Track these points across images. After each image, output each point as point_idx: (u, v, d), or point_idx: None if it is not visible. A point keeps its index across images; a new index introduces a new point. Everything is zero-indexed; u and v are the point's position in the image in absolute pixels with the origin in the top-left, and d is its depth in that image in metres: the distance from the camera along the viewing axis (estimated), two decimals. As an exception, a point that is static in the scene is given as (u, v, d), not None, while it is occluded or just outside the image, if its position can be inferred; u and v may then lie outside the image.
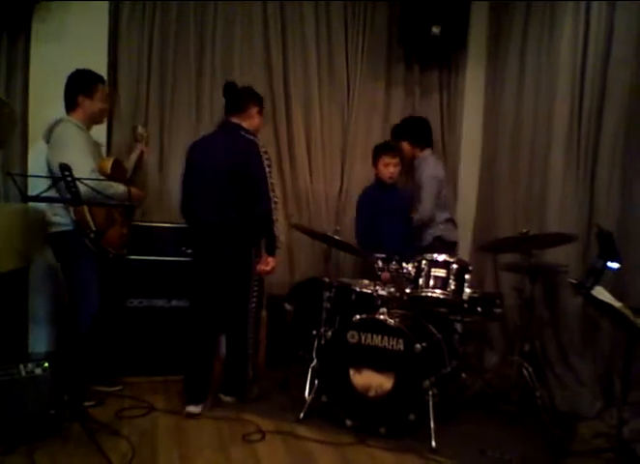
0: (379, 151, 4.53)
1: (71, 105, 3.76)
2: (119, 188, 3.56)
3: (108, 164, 3.72)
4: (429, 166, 4.75)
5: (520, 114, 4.78)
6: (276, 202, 3.73)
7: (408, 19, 4.94)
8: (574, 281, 3.26)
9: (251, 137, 3.77)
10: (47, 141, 3.67)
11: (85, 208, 3.44)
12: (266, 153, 3.73)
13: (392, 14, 5.20)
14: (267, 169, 3.70)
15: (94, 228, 3.49)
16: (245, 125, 3.85)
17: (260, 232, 3.76)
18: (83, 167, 3.33)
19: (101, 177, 3.54)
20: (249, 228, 3.72)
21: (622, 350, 3.70)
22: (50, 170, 3.56)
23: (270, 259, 3.76)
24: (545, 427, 3.52)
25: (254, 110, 3.93)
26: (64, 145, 3.55)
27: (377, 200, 4.54)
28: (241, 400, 3.91)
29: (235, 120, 3.86)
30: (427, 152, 4.86)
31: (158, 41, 4.66)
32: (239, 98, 3.91)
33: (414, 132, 4.88)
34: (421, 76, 5.36)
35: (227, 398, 3.92)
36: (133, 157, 4.17)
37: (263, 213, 3.68)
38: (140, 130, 4.27)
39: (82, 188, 2.97)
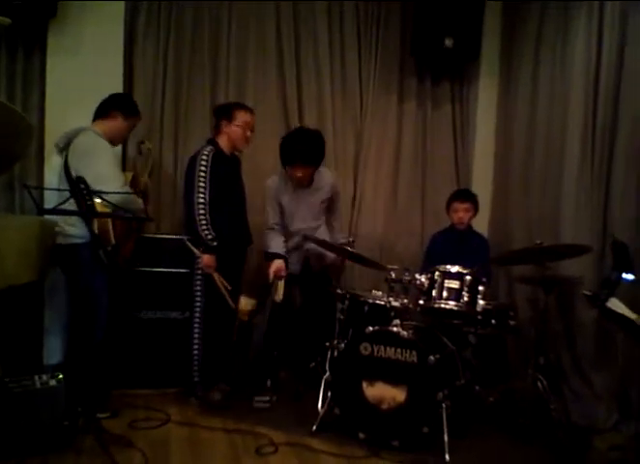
0: (450, 198, 4.65)
1: (103, 115, 3.79)
2: (139, 202, 3.66)
3: (129, 179, 3.85)
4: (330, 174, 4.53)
5: (533, 125, 4.77)
6: (202, 203, 3.89)
7: (421, 32, 4.95)
8: (589, 293, 3.24)
9: (203, 146, 4.04)
10: (61, 149, 3.67)
11: (108, 221, 3.46)
12: (204, 159, 3.92)
13: (404, 28, 5.23)
14: (198, 174, 3.90)
15: (113, 241, 3.50)
16: (219, 141, 4.11)
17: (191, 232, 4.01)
18: (116, 181, 3.42)
19: (130, 190, 3.60)
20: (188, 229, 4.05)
21: (637, 362, 3.69)
22: (71, 179, 3.51)
23: (204, 256, 3.95)
24: (560, 440, 3.50)
25: (223, 124, 4.11)
26: (95, 155, 3.53)
27: (448, 244, 4.59)
28: (202, 403, 4.03)
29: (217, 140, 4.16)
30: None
31: (173, 55, 4.71)
32: (215, 123, 4.22)
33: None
34: (433, 89, 5.38)
35: (191, 397, 4.11)
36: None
37: (187, 214, 4.00)
38: (146, 145, 4.31)
39: (113, 199, 3.09)
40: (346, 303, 3.99)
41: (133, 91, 4.62)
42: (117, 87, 4.28)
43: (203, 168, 3.91)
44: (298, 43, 5.03)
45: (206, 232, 3.90)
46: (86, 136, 3.61)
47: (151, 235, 4.34)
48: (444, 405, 3.33)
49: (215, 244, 3.92)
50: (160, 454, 3.24)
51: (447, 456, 3.27)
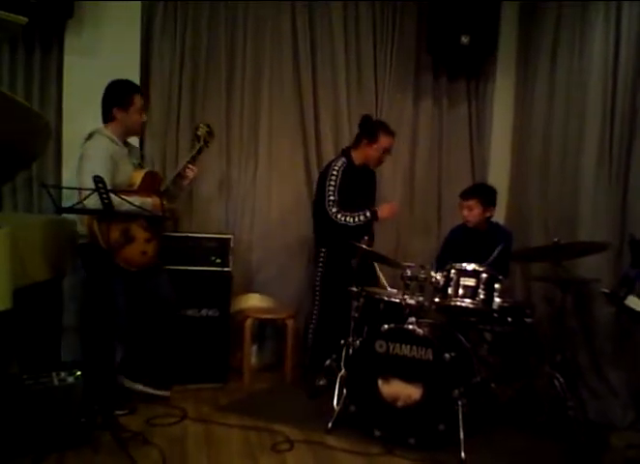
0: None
1: (107, 118, 3.75)
2: (134, 202, 3.41)
3: (139, 177, 3.76)
4: None
5: (551, 121, 4.73)
6: (332, 201, 4.25)
7: (437, 29, 4.93)
8: (607, 291, 3.22)
9: (338, 157, 4.46)
10: None
11: (94, 224, 3.42)
12: (334, 170, 4.31)
13: (420, 25, 5.20)
14: (329, 184, 4.28)
15: (104, 246, 3.39)
16: (355, 155, 4.46)
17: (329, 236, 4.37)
18: (85, 179, 3.36)
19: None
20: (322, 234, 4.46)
21: (655, 360, 3.66)
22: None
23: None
24: (577, 438, 3.48)
25: (364, 143, 4.42)
26: (84, 158, 3.58)
27: (459, 241, 4.45)
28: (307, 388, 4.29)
29: (351, 151, 4.49)
30: None
31: (189, 54, 4.72)
32: (358, 133, 4.51)
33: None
34: (449, 86, 5.35)
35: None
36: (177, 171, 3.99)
37: (320, 219, 4.41)
38: (200, 130, 3.99)
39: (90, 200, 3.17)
40: (361, 300, 3.99)
41: (150, 90, 4.63)
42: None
43: (332, 177, 4.28)
44: (313, 39, 5.02)
45: (351, 218, 4.26)
46: (91, 140, 3.64)
47: (171, 233, 4.36)
48: (460, 402, 3.33)
49: (368, 213, 4.29)
50: (176, 451, 3.27)
51: (463, 454, 3.26)
